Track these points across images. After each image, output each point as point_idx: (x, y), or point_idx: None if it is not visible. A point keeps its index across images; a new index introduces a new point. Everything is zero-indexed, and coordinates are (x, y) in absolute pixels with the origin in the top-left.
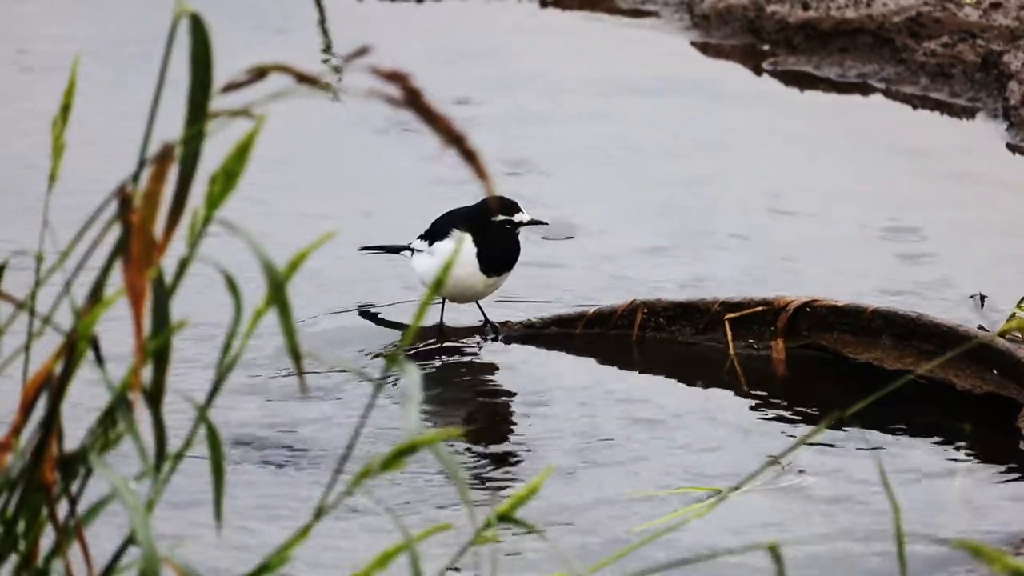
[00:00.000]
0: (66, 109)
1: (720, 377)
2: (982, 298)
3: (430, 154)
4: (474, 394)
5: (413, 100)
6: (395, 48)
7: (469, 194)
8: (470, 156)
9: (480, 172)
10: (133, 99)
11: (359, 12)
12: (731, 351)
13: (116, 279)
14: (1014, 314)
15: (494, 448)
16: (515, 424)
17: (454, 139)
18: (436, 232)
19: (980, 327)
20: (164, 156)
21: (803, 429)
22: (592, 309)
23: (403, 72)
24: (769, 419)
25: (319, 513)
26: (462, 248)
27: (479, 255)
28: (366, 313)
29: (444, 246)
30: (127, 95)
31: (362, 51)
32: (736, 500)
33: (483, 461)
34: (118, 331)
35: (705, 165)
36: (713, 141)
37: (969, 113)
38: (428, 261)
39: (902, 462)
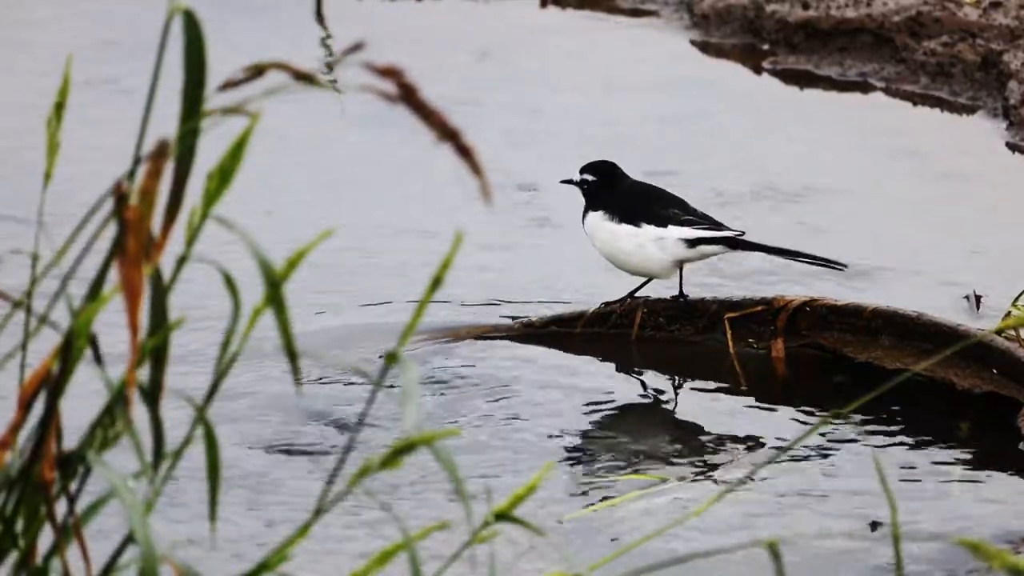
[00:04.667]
0: (60, 107)
1: (720, 376)
2: (977, 298)
3: (428, 149)
4: (473, 393)
5: (408, 96)
6: (394, 46)
7: (470, 190)
8: (464, 152)
9: (474, 168)
10: (129, 96)
11: (359, 10)
12: (731, 350)
13: (114, 277)
14: (1010, 313)
15: (493, 447)
16: (514, 423)
17: (448, 135)
18: None
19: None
20: (159, 153)
21: (802, 428)
22: (592, 308)
23: (398, 68)
24: (768, 418)
25: (318, 512)
26: None
27: None
28: (365, 311)
29: None
30: (122, 92)
31: (356, 47)
32: (734, 498)
33: (481, 460)
34: (119, 330)
35: (705, 164)
36: (712, 140)
37: (969, 112)
38: None
39: (901, 461)
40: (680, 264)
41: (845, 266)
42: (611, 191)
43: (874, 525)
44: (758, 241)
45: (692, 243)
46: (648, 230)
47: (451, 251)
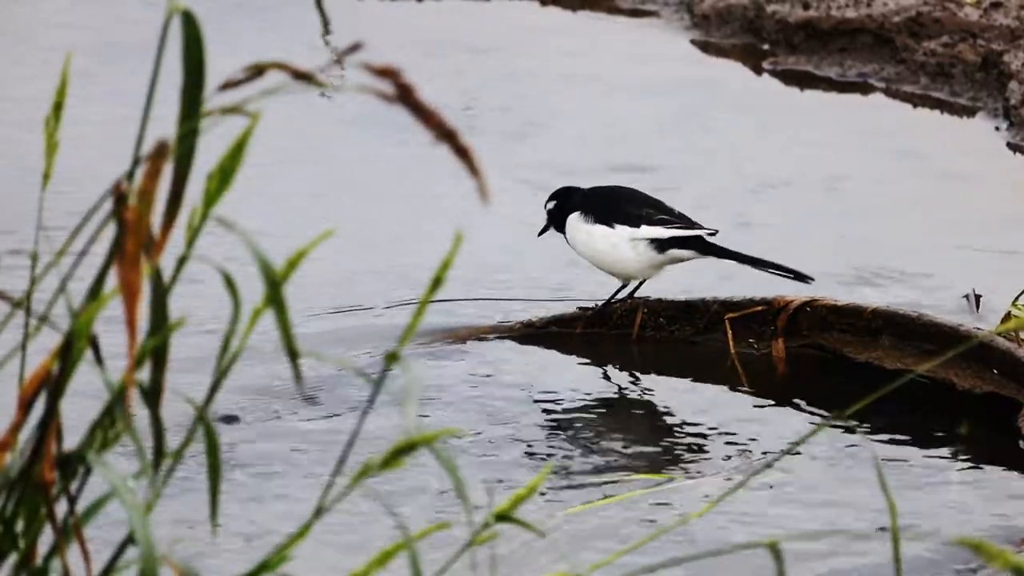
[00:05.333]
0: (59, 107)
1: (720, 376)
2: (977, 297)
3: (428, 150)
4: (474, 394)
5: (405, 96)
6: (394, 46)
7: (469, 190)
8: (462, 152)
9: (472, 168)
10: (129, 96)
11: (359, 10)
12: (731, 350)
13: (114, 277)
14: (1009, 313)
15: (493, 447)
16: (514, 423)
17: (446, 135)
18: None
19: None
20: (158, 153)
21: (802, 428)
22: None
23: (395, 68)
24: (769, 418)
25: (318, 512)
26: None
27: None
28: (366, 312)
29: None
30: (122, 92)
31: (355, 47)
32: (735, 498)
33: (482, 460)
34: (121, 330)
35: (704, 165)
36: (712, 140)
37: (969, 112)
38: None
39: (901, 461)
40: (656, 266)
41: (811, 279)
42: (580, 197)
43: (884, 530)
44: (730, 248)
45: (663, 244)
46: (621, 230)
47: (451, 251)
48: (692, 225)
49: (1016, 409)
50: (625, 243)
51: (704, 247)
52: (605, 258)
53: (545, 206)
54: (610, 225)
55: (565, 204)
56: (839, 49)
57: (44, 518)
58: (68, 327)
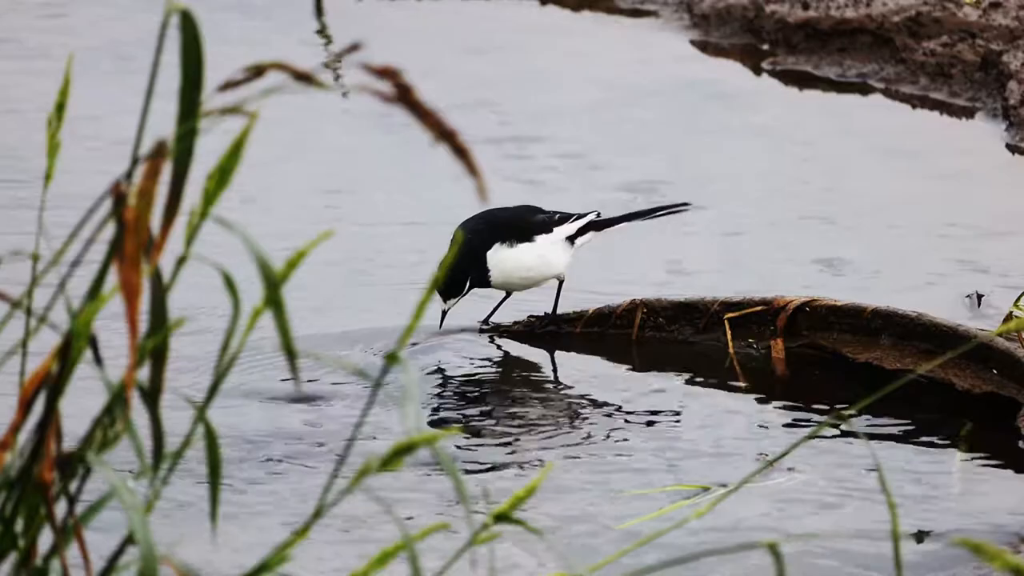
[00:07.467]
0: (60, 108)
1: (719, 376)
2: (979, 297)
3: (427, 150)
4: (473, 393)
5: (404, 96)
6: (393, 46)
7: (468, 190)
8: (461, 152)
9: (471, 168)
10: (130, 97)
11: (358, 10)
12: (730, 350)
13: (114, 278)
14: (1011, 313)
15: (492, 447)
16: (514, 423)
17: (445, 135)
18: None
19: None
20: (157, 153)
21: (802, 428)
22: (592, 308)
23: (394, 68)
24: (768, 418)
25: (318, 512)
26: None
27: None
28: (365, 312)
29: None
30: (122, 92)
31: (354, 47)
32: (734, 499)
33: (481, 460)
34: (121, 330)
35: (704, 165)
36: (711, 141)
37: (968, 113)
38: None
39: (901, 461)
40: (571, 259)
41: (688, 205)
42: (487, 234)
43: (920, 536)
44: (611, 216)
45: (572, 238)
46: (542, 240)
47: (450, 251)
48: (580, 215)
49: (1016, 409)
50: (549, 248)
51: (597, 225)
52: (533, 273)
53: (456, 273)
54: (530, 240)
55: (477, 253)
56: (838, 49)
57: (44, 518)
58: (68, 327)
